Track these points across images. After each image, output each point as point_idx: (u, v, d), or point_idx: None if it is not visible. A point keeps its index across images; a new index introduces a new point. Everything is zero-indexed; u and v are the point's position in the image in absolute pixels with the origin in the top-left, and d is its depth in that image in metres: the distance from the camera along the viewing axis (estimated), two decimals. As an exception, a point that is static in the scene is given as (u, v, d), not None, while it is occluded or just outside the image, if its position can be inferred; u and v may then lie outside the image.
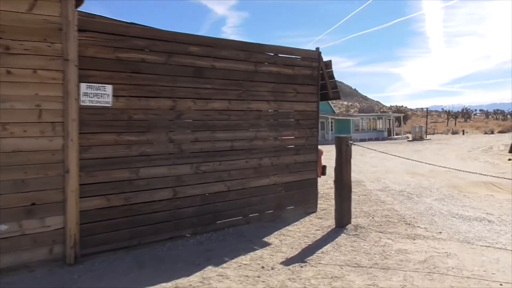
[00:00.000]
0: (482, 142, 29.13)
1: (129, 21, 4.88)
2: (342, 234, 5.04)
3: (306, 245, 4.69)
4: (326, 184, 9.83)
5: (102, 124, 4.34)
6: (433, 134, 53.26)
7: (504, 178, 5.31)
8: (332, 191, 8.76)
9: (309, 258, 4.22)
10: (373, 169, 13.09)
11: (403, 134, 45.98)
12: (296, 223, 5.68)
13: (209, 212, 5.13)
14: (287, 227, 5.47)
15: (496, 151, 19.67)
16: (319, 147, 8.70)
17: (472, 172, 5.53)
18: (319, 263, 4.06)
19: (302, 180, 6.16)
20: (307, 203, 6.22)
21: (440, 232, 5.13)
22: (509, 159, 14.85)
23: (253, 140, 5.55)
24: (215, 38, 5.16)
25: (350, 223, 5.37)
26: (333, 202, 7.39)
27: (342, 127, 40.07)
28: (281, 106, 5.87)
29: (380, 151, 6.67)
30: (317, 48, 6.32)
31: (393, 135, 44.09)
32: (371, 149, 6.90)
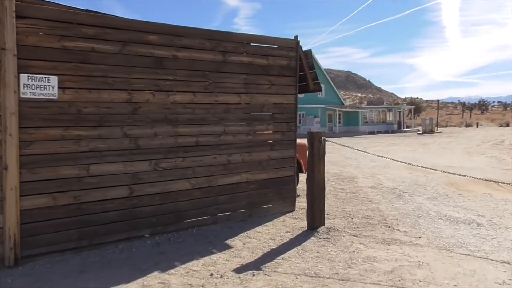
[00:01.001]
0: (495, 135, 28.22)
1: (83, 8, 4.54)
2: (312, 238, 4.68)
3: (269, 249, 4.34)
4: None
5: (46, 118, 4.04)
6: (446, 126, 52.01)
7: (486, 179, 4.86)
8: (321, 187, 8.44)
9: (266, 265, 3.88)
10: (372, 164, 12.61)
11: (414, 127, 44.97)
12: (268, 223, 5.34)
13: (171, 212, 4.82)
14: (256, 228, 5.13)
15: (507, 145, 18.92)
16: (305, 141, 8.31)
17: (450, 173, 5.08)
18: (275, 271, 3.71)
19: (277, 178, 5.79)
20: (283, 202, 5.86)
21: (420, 237, 4.72)
22: (518, 155, 14.19)
23: (221, 135, 5.20)
24: (176, 25, 4.80)
25: (323, 225, 5.00)
26: (317, 200, 7.07)
27: (351, 120, 39.37)
28: (253, 99, 5.49)
29: (355, 149, 6.23)
30: (296, 37, 5.91)
31: (403, 128, 43.13)
32: (346, 146, 6.46)
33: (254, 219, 5.49)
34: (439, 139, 25.49)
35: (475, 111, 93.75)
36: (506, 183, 4.61)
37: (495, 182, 5.00)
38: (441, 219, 5.57)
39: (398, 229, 5.05)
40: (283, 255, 4.13)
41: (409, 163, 5.74)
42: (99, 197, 4.34)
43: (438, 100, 49.59)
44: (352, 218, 5.60)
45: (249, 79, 5.41)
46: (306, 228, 5.00)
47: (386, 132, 39.33)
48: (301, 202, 6.39)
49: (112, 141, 4.40)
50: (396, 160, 5.57)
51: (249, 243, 4.55)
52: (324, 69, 45.24)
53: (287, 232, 4.96)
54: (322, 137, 4.87)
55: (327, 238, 4.66)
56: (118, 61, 4.41)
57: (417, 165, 5.46)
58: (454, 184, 8.69)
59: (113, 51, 4.38)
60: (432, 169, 5.39)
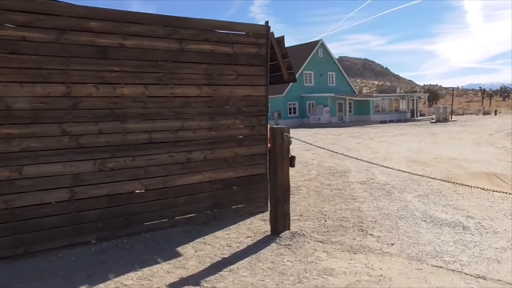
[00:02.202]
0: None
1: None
2: (272, 244, 4.24)
3: (220, 259, 3.93)
4: (310, 174, 9.03)
5: (-31, 115, 3.68)
6: (462, 114, 50.45)
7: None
8: (306, 183, 7.98)
9: (208, 278, 3.46)
10: (372, 156, 12.03)
11: (429, 115, 43.67)
12: (231, 226, 4.92)
13: (121, 215, 4.45)
14: (217, 232, 4.72)
15: (522, 135, 17.98)
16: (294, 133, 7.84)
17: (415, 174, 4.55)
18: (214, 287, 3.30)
19: (246, 176, 5.35)
20: (253, 202, 5.43)
21: (393, 244, 4.23)
22: (530, 145, 13.37)
23: (179, 131, 4.78)
24: (123, 11, 4.36)
25: (288, 229, 4.55)
26: (297, 198, 6.62)
27: (362, 109, 38.42)
28: (217, 91, 5.03)
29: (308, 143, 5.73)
30: (267, 22, 5.40)
31: (417, 116, 41.92)
32: (306, 142, 5.96)
33: (218, 221, 5.08)
34: (451, 128, 24.55)
35: (496, 98, 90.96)
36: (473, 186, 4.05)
37: (467, 186, 4.44)
38: (425, 221, 5.05)
39: (372, 234, 4.57)
40: (231, 266, 3.71)
41: (370, 163, 5.21)
42: (35, 201, 3.98)
43: (453, 88, 47.99)
44: (325, 220, 5.13)
45: (211, 69, 4.96)
46: (270, 232, 4.57)
47: (399, 121, 38.30)
48: (278, 201, 5.95)
49: (48, 140, 4.02)
50: (361, 160, 5.05)
51: (201, 251, 4.14)
52: (341, 56, 44.52)
53: (248, 237, 4.53)
54: (285, 133, 4.40)
55: (288, 245, 4.22)
56: (54, 51, 4.01)
57: (385, 167, 4.93)
58: (453, 179, 8.05)
59: (48, 40, 3.98)
60: (401, 170, 4.86)
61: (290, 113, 39.27)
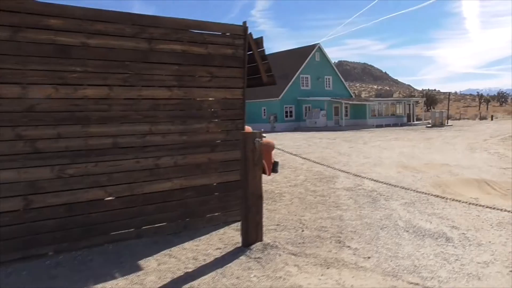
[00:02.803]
0: (507, 129, 26.86)
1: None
2: (242, 257, 3.97)
3: (183, 273, 3.66)
4: (297, 180, 8.78)
5: None
6: (459, 119, 50.33)
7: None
8: (291, 189, 7.72)
9: (164, 296, 3.20)
10: (363, 161, 11.79)
11: (426, 120, 43.50)
12: (202, 237, 4.65)
13: (81, 225, 4.18)
14: (186, 243, 4.45)
15: (516, 140, 17.77)
16: (272, 138, 7.61)
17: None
18: (169, 307, 3.03)
19: (221, 183, 5.09)
20: (228, 210, 5.16)
21: (369, 258, 3.97)
22: (525, 151, 13.14)
23: (147, 135, 4.52)
24: (86, 8, 4.11)
25: (260, 240, 4.28)
26: (278, 205, 6.36)
27: (358, 113, 38.24)
28: (189, 93, 4.78)
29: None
30: (244, 22, 5.16)
31: (413, 121, 41.75)
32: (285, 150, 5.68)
33: (190, 231, 4.82)
34: (446, 133, 24.35)
35: (493, 103, 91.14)
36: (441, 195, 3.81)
37: (433, 195, 4.19)
38: (407, 231, 4.80)
39: (349, 246, 4.31)
40: (193, 282, 3.44)
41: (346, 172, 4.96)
42: (-15, 210, 3.71)
43: (449, 93, 47.88)
44: (303, 230, 4.87)
45: (183, 70, 4.71)
46: (241, 244, 4.30)
47: (395, 125, 38.11)
48: (258, 209, 5.68)
49: (1, 144, 3.76)
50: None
51: (165, 264, 3.87)
52: (341, 61, 44.28)
53: (217, 249, 4.26)
54: (256, 139, 4.14)
55: (258, 258, 3.95)
56: (9, 50, 3.76)
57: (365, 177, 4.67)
58: (442, 185, 7.85)
59: (2, 38, 3.72)
60: (378, 181, 4.60)
61: (286, 116, 39.05)
